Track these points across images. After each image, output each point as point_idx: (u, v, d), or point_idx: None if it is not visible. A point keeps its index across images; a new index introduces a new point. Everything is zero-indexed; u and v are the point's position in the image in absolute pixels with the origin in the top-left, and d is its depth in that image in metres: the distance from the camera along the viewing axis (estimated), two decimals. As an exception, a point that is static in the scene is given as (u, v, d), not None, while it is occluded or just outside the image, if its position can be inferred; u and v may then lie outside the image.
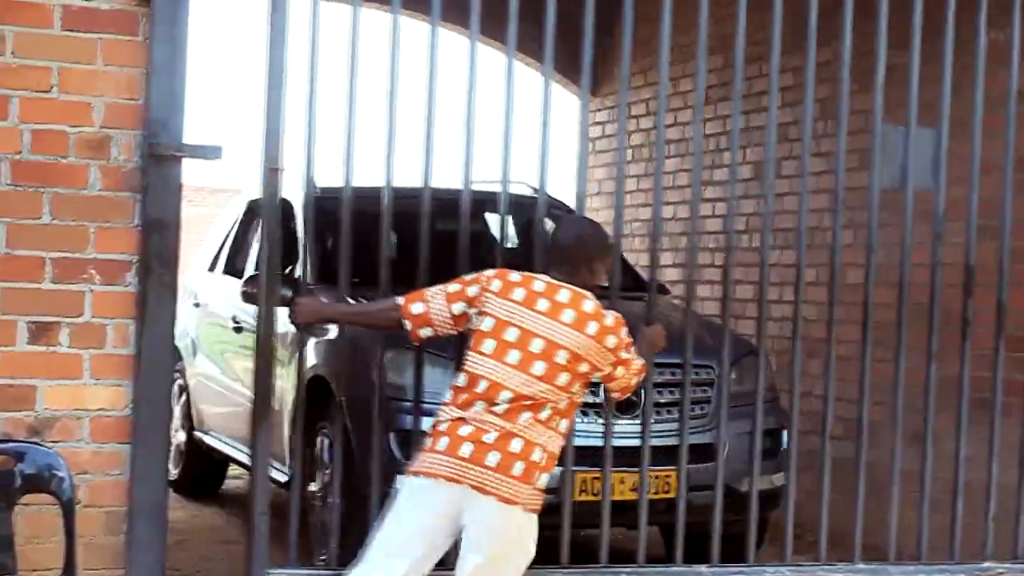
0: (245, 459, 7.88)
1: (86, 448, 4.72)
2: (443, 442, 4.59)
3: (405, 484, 4.71)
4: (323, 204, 7.73)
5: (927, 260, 7.49)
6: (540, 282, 4.76)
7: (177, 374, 8.75)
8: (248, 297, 7.40)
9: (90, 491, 4.70)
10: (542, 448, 4.63)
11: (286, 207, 7.97)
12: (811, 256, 8.38)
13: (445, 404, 4.72)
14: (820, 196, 8.33)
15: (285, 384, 7.16)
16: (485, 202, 8.69)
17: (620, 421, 6.36)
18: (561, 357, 4.64)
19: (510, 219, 8.80)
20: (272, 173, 5.36)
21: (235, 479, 9.21)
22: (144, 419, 4.74)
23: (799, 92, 8.54)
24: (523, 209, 8.63)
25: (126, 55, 4.73)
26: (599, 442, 6.30)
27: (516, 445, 4.56)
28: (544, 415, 4.62)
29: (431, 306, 4.82)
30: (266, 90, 5.24)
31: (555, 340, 4.63)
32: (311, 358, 6.85)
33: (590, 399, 6.35)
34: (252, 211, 8.67)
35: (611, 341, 4.76)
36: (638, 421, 6.38)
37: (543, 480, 4.67)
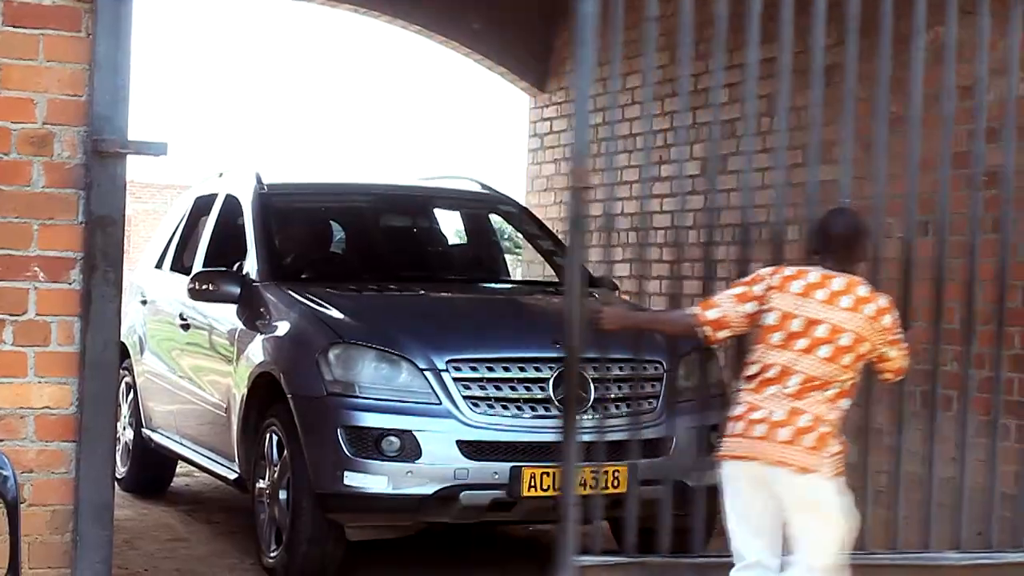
0: (194, 456, 7.86)
1: (31, 447, 4.68)
2: (739, 426, 4.99)
3: (720, 470, 5.08)
4: (270, 200, 7.74)
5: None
6: (815, 273, 5.08)
7: (125, 371, 8.70)
8: (195, 294, 7.37)
9: (35, 490, 4.66)
10: (829, 422, 4.96)
11: (233, 203, 7.97)
12: (760, 251, 8.44)
13: (739, 392, 5.08)
14: (767, 192, 8.37)
15: (233, 381, 7.13)
16: (433, 198, 8.71)
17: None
18: (844, 340, 4.96)
19: (459, 215, 8.85)
20: (580, 192, 5.57)
21: (183, 477, 9.17)
22: (90, 417, 4.70)
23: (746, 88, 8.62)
24: (470, 206, 8.65)
25: (69, 51, 4.69)
26: (548, 437, 6.31)
27: (805, 420, 4.91)
28: (831, 393, 4.96)
29: (726, 310, 5.16)
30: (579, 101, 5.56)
31: (837, 324, 4.97)
32: (259, 355, 6.83)
33: (539, 394, 6.39)
34: (199, 207, 8.64)
35: (886, 320, 5.07)
36: (587, 416, 6.39)
37: (836, 447, 4.97)
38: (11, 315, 4.67)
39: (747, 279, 5.25)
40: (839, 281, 5.05)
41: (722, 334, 5.22)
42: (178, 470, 9.00)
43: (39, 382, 4.70)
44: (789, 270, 5.14)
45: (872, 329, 5.01)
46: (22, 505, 4.46)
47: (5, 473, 4.37)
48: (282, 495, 6.57)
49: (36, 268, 4.70)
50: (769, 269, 5.22)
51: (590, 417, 6.36)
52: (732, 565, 5.14)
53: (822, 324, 4.97)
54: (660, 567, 5.57)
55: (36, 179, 4.70)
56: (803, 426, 4.91)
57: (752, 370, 5.06)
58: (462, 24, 10.96)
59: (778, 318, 5.01)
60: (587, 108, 5.58)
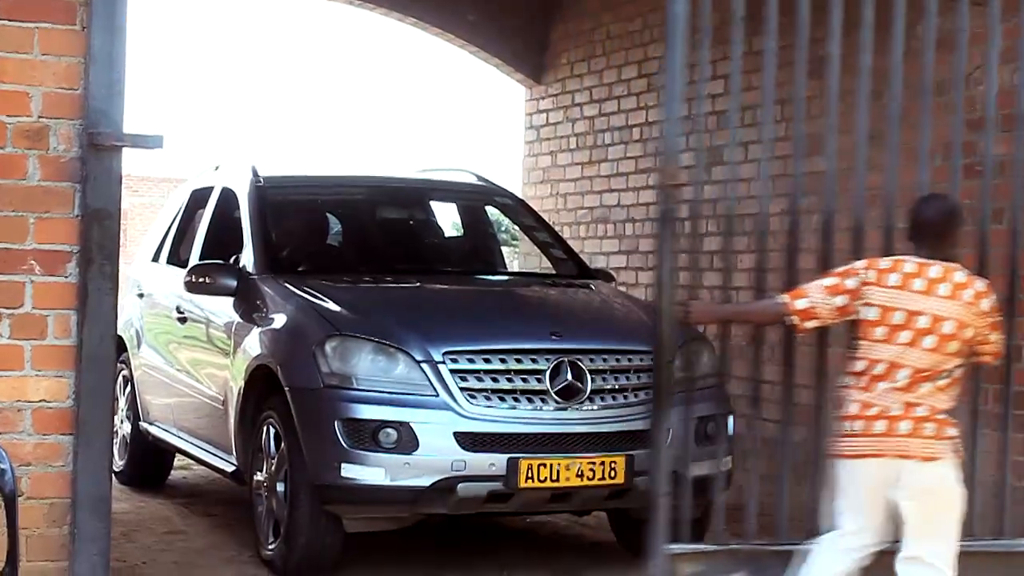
0: (192, 449, 7.86)
1: (28, 440, 4.69)
2: (857, 424, 5.03)
3: (837, 468, 5.13)
4: (266, 193, 7.75)
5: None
6: (910, 263, 5.08)
7: (122, 365, 8.71)
8: (192, 287, 7.37)
9: (33, 483, 4.67)
10: (944, 409, 5.03)
11: (230, 196, 7.98)
12: (755, 242, 8.45)
13: (848, 390, 5.09)
14: (763, 182, 8.38)
15: (230, 374, 7.14)
16: (430, 191, 8.72)
17: (565, 408, 6.37)
18: (947, 328, 5.00)
19: (455, 208, 8.86)
20: (671, 189, 5.60)
21: (181, 470, 9.18)
22: (87, 410, 4.71)
23: (743, 80, 8.62)
24: (467, 198, 8.65)
25: (64, 44, 4.70)
26: (545, 428, 6.33)
27: (921, 411, 4.98)
28: (942, 382, 5.02)
29: (815, 300, 5.17)
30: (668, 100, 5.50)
31: (938, 314, 4.99)
32: (256, 347, 6.83)
33: (536, 386, 6.40)
34: (196, 200, 8.64)
35: (985, 304, 5.10)
36: (585, 408, 6.41)
37: (952, 431, 5.05)
38: (7, 308, 4.68)
39: (839, 271, 5.23)
40: (935, 269, 5.05)
41: (810, 324, 5.26)
42: (176, 463, 9.01)
43: (36, 375, 4.71)
44: (884, 262, 5.14)
45: (972, 314, 5.03)
46: (20, 498, 4.46)
47: (2, 466, 4.38)
48: (280, 487, 6.57)
49: (32, 261, 4.70)
50: (863, 263, 5.21)
51: (587, 408, 6.39)
52: None
53: (923, 315, 4.99)
54: (747, 554, 5.65)
55: (32, 172, 4.70)
56: (920, 416, 4.97)
57: (858, 367, 5.09)
58: (458, 16, 10.96)
59: (878, 313, 5.04)
60: (677, 108, 5.56)
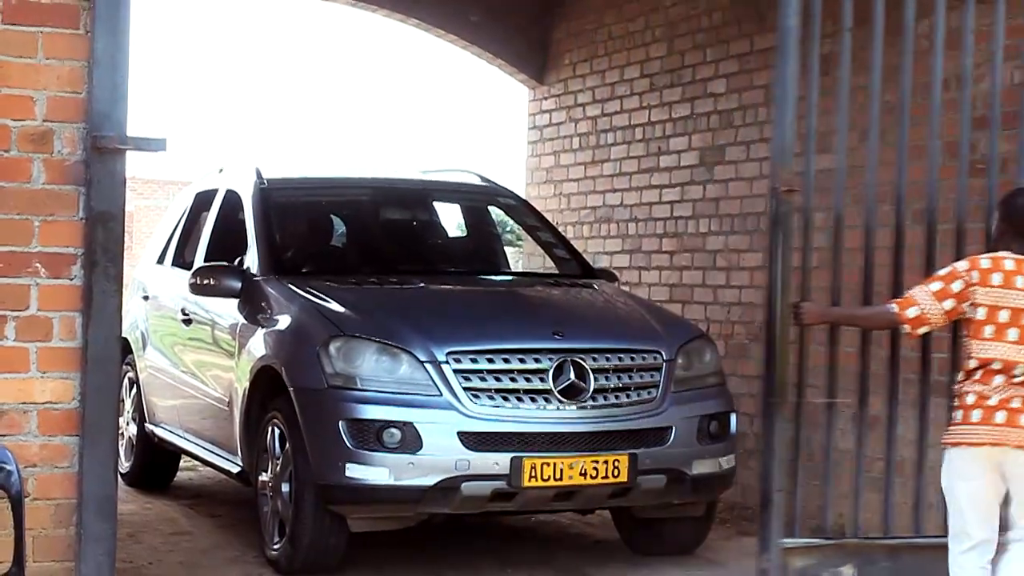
0: (197, 450, 7.90)
1: (34, 441, 4.71)
2: (975, 414, 5.14)
3: (949, 458, 5.20)
4: (270, 195, 7.78)
5: (860, 242, 7.57)
6: (1010, 261, 5.19)
7: (127, 367, 8.74)
8: (196, 289, 7.40)
9: (39, 484, 4.69)
10: None
11: (234, 199, 8.01)
12: (757, 240, 8.49)
13: (962, 383, 5.22)
14: (765, 181, 8.40)
15: (235, 375, 7.17)
16: (433, 191, 8.74)
17: (568, 407, 6.40)
18: None
19: (458, 208, 8.88)
20: (785, 194, 5.68)
21: (187, 471, 9.21)
22: (92, 411, 4.73)
23: (745, 78, 8.67)
24: (470, 199, 8.68)
25: (67, 48, 4.72)
26: (548, 428, 6.36)
27: None
28: None
29: (924, 307, 5.27)
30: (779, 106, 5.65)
31: None
32: (260, 348, 6.86)
33: (539, 385, 6.42)
34: (200, 202, 8.67)
35: None
36: (588, 406, 6.43)
37: None
38: (13, 311, 4.70)
39: (943, 274, 5.31)
40: None
41: (921, 330, 5.38)
42: (181, 464, 9.05)
43: (41, 377, 4.73)
44: (984, 262, 5.22)
45: None
46: (26, 499, 4.51)
47: (9, 468, 4.42)
48: (284, 488, 6.60)
49: (37, 264, 4.73)
50: (964, 264, 5.28)
51: (590, 407, 6.42)
52: (924, 547, 5.43)
53: None
54: (854, 548, 5.76)
55: (37, 176, 4.73)
56: None
57: (971, 364, 5.20)
58: (460, 17, 10.99)
59: (985, 313, 5.16)
60: (789, 114, 5.68)
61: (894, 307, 5.37)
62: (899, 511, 5.97)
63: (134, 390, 8.83)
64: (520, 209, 8.67)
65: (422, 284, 7.39)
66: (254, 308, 7.12)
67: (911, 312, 5.29)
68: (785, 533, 5.72)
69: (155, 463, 8.83)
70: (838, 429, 5.97)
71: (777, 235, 5.71)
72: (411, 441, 6.23)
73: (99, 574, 4.73)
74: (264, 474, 6.83)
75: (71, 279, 4.76)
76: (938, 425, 5.76)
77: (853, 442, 6.02)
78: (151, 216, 28.32)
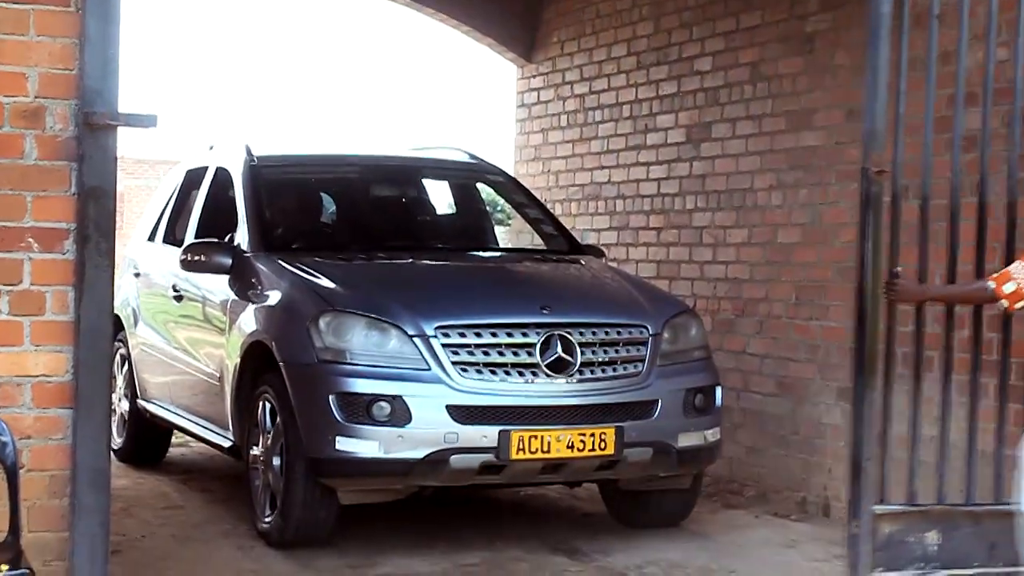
0: (189, 426, 7.97)
1: (28, 413, 4.76)
2: None
3: None
4: (260, 172, 7.83)
5: (845, 219, 7.66)
6: None
7: (119, 344, 8.80)
8: (187, 265, 7.46)
9: (33, 455, 4.74)
10: None
11: (224, 176, 8.06)
12: (743, 217, 8.57)
13: None
14: (751, 158, 8.49)
15: (226, 351, 7.24)
16: (422, 169, 8.80)
17: (555, 381, 6.48)
18: None
19: (447, 185, 8.94)
20: (876, 175, 5.79)
21: (178, 448, 9.28)
22: (85, 384, 4.78)
23: (731, 56, 8.73)
24: (458, 176, 8.73)
25: (59, 26, 4.76)
26: (535, 401, 6.43)
27: None
28: None
29: (1021, 281, 5.45)
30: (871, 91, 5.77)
31: None
32: (251, 324, 6.93)
33: (526, 359, 6.50)
34: (190, 180, 8.72)
35: None
36: (575, 380, 6.51)
37: None
38: (6, 285, 4.75)
39: None
40: None
41: (1019, 305, 5.52)
42: (173, 441, 9.12)
43: (35, 350, 4.78)
44: None
45: None
46: (21, 470, 4.56)
47: (4, 439, 4.48)
48: (275, 461, 6.68)
49: (30, 239, 4.77)
50: None
51: (577, 380, 6.49)
52: (1005, 514, 5.50)
53: None
54: (941, 514, 5.93)
55: (29, 152, 4.77)
56: None
57: None
58: (450, -5, 11.03)
59: None
60: (881, 99, 5.79)
61: (991, 283, 5.53)
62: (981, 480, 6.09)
63: (126, 367, 8.89)
64: (508, 186, 8.73)
65: (411, 260, 7.46)
66: (244, 284, 7.19)
67: (1008, 287, 5.47)
68: (875, 500, 5.88)
69: (147, 439, 8.90)
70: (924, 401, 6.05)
71: (868, 214, 5.84)
72: (400, 414, 6.31)
73: (93, 545, 4.78)
74: (255, 448, 6.90)
75: (63, 254, 4.81)
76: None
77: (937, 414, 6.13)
78: (141, 196, 28.32)
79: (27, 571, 4.18)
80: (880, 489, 5.88)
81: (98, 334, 4.81)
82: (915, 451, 5.97)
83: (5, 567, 3.89)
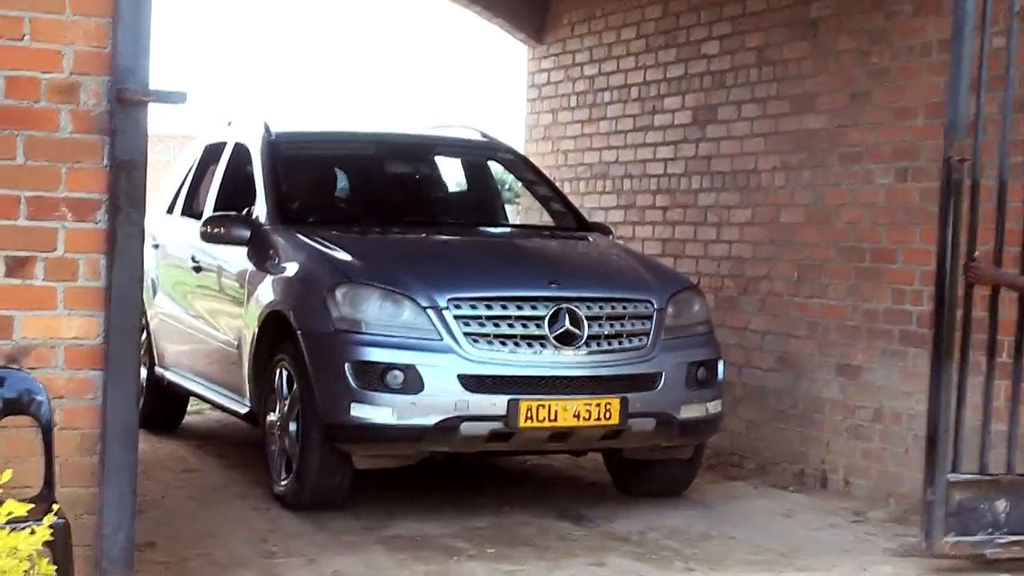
0: (207, 393, 8.18)
1: (61, 375, 4.97)
2: None
3: None
4: (278, 147, 8.03)
5: (846, 199, 7.87)
6: None
7: (137, 313, 8.98)
8: (207, 237, 7.67)
9: (66, 414, 4.95)
10: None
11: (242, 151, 8.27)
12: (747, 197, 8.77)
13: None
14: (755, 140, 8.66)
15: (243, 320, 7.45)
16: (435, 146, 8.99)
17: (562, 352, 6.68)
18: None
19: (459, 163, 9.14)
20: (958, 163, 5.99)
21: (194, 415, 9.50)
22: (115, 347, 4.99)
23: (737, 40, 8.92)
24: (471, 154, 8.92)
25: (93, 5, 4.95)
26: (543, 371, 6.65)
27: None
28: None
29: None
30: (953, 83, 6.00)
31: None
32: (269, 294, 7.14)
33: (535, 331, 6.71)
34: (209, 155, 8.92)
35: None
36: (581, 352, 6.71)
37: None
38: (42, 252, 4.95)
39: None
40: None
41: None
42: (189, 408, 9.34)
43: (68, 315, 4.99)
44: None
45: None
46: (54, 428, 4.80)
47: (40, 398, 4.73)
48: (292, 427, 6.89)
49: (64, 209, 4.97)
50: None
51: (583, 352, 6.70)
52: None
53: None
54: (1010, 484, 6.16)
55: (64, 125, 4.98)
56: None
57: None
58: (463, -23, 11.19)
59: None
60: (964, 90, 6.00)
61: None
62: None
63: (144, 335, 9.09)
64: (518, 164, 8.90)
65: (424, 235, 7.65)
66: (262, 256, 7.39)
67: None
68: (948, 470, 6.08)
69: (165, 406, 9.11)
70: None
71: (949, 200, 6.02)
72: (413, 383, 6.52)
73: (121, 500, 5.00)
74: (272, 414, 7.11)
75: (96, 223, 5.01)
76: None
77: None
78: (157, 170, 28.40)
79: (64, 521, 4.42)
80: (953, 459, 6.07)
81: (128, 300, 5.02)
82: (987, 424, 6.14)
83: (52, 516, 4.12)
